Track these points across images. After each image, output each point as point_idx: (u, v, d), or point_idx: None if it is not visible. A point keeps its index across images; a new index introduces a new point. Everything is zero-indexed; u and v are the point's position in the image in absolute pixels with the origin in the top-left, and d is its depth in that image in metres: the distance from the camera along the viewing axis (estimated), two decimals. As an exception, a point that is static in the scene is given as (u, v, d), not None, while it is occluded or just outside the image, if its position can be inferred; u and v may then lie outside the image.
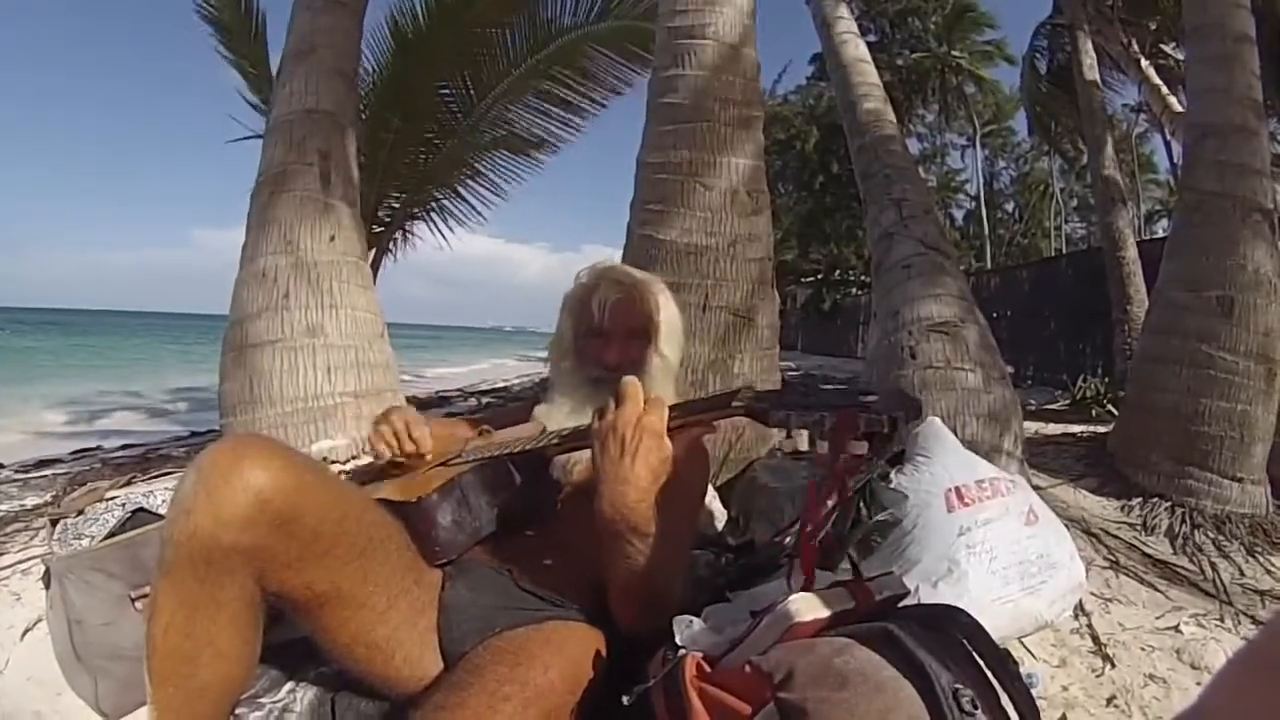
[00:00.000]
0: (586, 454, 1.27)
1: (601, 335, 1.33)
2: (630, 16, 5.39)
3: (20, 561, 2.17)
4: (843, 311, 20.69)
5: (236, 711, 0.99)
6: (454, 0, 5.15)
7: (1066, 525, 1.78)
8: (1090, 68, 7.83)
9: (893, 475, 1.68)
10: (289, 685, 1.08)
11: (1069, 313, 9.11)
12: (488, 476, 1.13)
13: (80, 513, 1.74)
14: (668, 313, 1.37)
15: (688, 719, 0.76)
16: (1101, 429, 4.16)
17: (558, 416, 1.26)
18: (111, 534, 1.56)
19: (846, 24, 4.69)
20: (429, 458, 1.30)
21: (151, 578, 0.88)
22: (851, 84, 4.35)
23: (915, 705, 0.67)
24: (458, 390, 7.34)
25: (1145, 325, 3.79)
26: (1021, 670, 1.62)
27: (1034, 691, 1.54)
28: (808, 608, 0.78)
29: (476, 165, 6.13)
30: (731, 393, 0.93)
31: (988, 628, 0.80)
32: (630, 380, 0.97)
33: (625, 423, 0.94)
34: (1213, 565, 2.48)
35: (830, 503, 0.87)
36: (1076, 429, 4.37)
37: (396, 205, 6.00)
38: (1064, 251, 18.89)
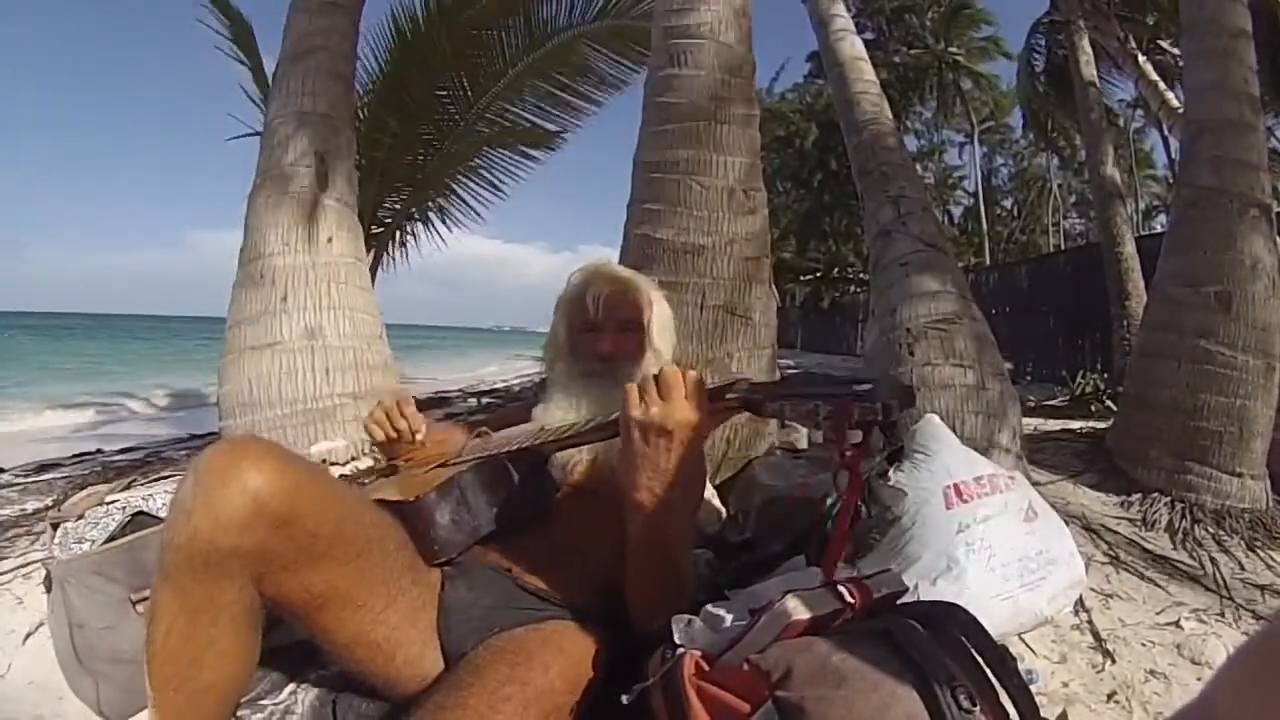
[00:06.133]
0: (586, 455, 1.29)
1: (594, 329, 1.35)
2: (628, 16, 5.39)
3: (22, 566, 2.17)
4: (842, 309, 20.73)
5: (238, 714, 0.99)
6: (452, 0, 5.15)
7: (1066, 521, 1.78)
8: (1087, 64, 7.84)
9: (891, 472, 1.68)
10: (290, 687, 1.08)
11: (1068, 309, 9.13)
12: (486, 475, 1.14)
13: (80, 517, 1.73)
14: (659, 309, 1.41)
15: (687, 717, 0.76)
16: (1100, 425, 4.16)
17: (555, 415, 1.26)
18: (112, 538, 1.56)
19: (842, 22, 4.68)
20: (420, 437, 1.34)
21: (152, 581, 0.88)
22: (848, 81, 4.34)
23: (913, 702, 0.67)
24: (457, 391, 7.34)
25: (1143, 321, 3.79)
26: (1021, 667, 1.62)
27: (1034, 688, 1.54)
28: (806, 606, 0.78)
29: (474, 165, 6.13)
30: (727, 384, 0.95)
31: (987, 624, 0.80)
32: (672, 369, 0.97)
33: (668, 416, 0.94)
34: (1213, 560, 2.48)
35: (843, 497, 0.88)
36: (1075, 425, 4.37)
37: (396, 206, 6.00)
38: (1063, 247, 18.88)
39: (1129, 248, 7.08)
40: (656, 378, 0.96)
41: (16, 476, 3.33)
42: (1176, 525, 2.78)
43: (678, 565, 1.04)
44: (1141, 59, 8.12)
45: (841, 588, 0.84)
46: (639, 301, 1.38)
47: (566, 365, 1.38)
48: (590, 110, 6.05)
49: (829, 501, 1.60)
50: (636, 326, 1.36)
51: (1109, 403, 5.21)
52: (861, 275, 18.98)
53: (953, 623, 0.79)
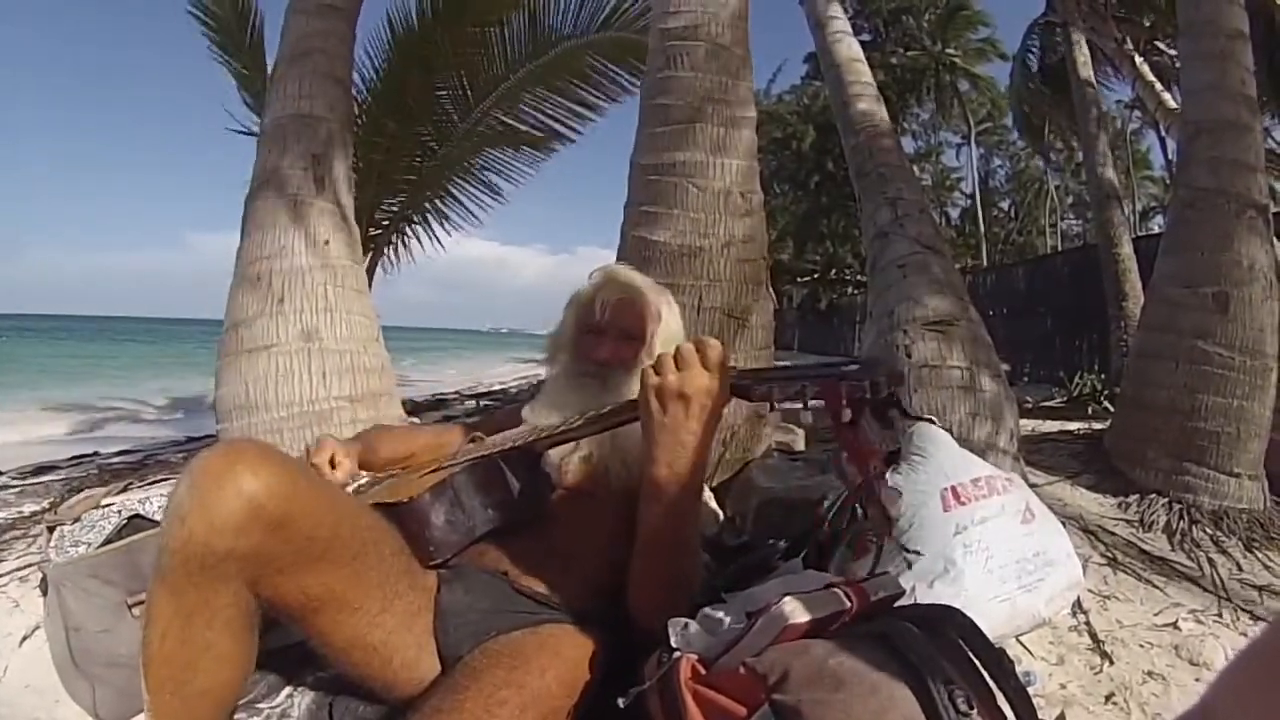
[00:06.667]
0: (579, 456, 1.29)
1: (597, 332, 1.35)
2: (631, 29, 5.39)
3: (18, 569, 2.17)
4: (839, 311, 20.78)
5: (235, 717, 0.99)
6: (453, 4, 5.15)
7: (1063, 523, 1.78)
8: (1084, 65, 7.84)
9: (888, 474, 1.68)
10: (287, 690, 1.08)
11: (1065, 310, 9.15)
12: (480, 476, 1.13)
13: (77, 520, 1.73)
14: (667, 323, 1.40)
15: (683, 721, 0.76)
16: (1098, 426, 4.16)
17: (543, 416, 1.27)
18: (108, 541, 1.55)
19: (840, 24, 4.70)
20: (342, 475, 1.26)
21: (148, 584, 0.88)
22: (845, 83, 4.35)
23: (910, 706, 0.67)
24: (454, 393, 7.34)
25: (1141, 322, 3.79)
26: (1019, 669, 1.62)
27: (1032, 690, 1.54)
28: (802, 609, 0.78)
29: (472, 168, 6.13)
30: None
31: (985, 626, 0.80)
32: (687, 345, 0.98)
33: (686, 382, 0.95)
34: (1210, 561, 2.48)
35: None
36: (1073, 426, 4.37)
37: (394, 209, 5.99)
38: (1060, 249, 18.92)
39: (1126, 249, 7.07)
40: (675, 352, 0.97)
41: (13, 479, 3.33)
42: (1174, 526, 2.78)
43: (687, 557, 1.05)
44: (1139, 60, 8.14)
45: (839, 590, 0.84)
46: (645, 313, 1.37)
47: (566, 362, 1.39)
48: (590, 118, 6.07)
49: (826, 503, 1.60)
50: (638, 336, 1.36)
51: (1106, 404, 5.21)
52: (859, 277, 19.03)
53: (950, 625, 0.79)
